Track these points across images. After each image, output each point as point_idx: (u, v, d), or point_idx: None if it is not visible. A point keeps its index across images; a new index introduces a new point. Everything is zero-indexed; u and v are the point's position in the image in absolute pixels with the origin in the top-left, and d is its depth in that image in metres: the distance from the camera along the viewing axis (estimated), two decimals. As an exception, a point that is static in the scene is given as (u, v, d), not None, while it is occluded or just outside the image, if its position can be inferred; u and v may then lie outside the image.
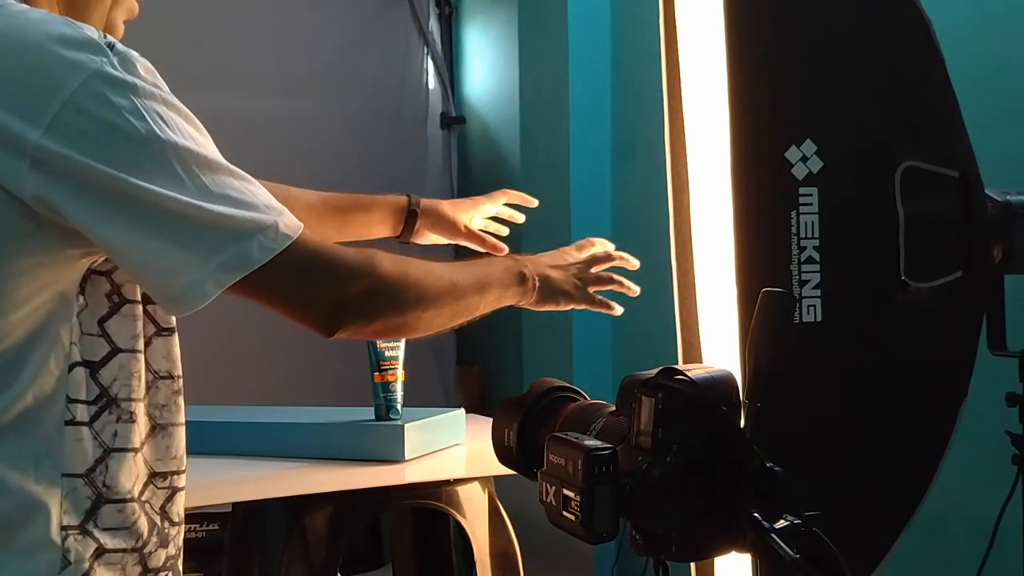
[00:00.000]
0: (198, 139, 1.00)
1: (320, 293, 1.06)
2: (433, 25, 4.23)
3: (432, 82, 4.24)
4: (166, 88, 1.00)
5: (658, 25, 1.55)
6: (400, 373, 2.19)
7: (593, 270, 1.52)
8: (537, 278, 1.41)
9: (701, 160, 1.53)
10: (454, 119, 4.24)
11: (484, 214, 1.70)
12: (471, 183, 4.24)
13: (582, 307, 1.51)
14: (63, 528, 1.00)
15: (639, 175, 3.26)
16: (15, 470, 0.98)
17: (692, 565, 1.48)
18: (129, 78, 0.96)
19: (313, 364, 3.58)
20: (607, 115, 3.43)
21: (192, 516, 2.80)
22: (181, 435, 1.12)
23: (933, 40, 1.37)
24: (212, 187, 0.98)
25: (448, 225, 1.64)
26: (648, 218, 2.88)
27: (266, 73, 3.81)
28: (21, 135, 0.93)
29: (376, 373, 2.17)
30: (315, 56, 3.93)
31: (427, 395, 3.83)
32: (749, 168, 1.32)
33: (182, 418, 1.12)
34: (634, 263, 1.59)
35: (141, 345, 1.06)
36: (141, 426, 1.07)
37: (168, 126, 0.97)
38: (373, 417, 2.21)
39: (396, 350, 2.18)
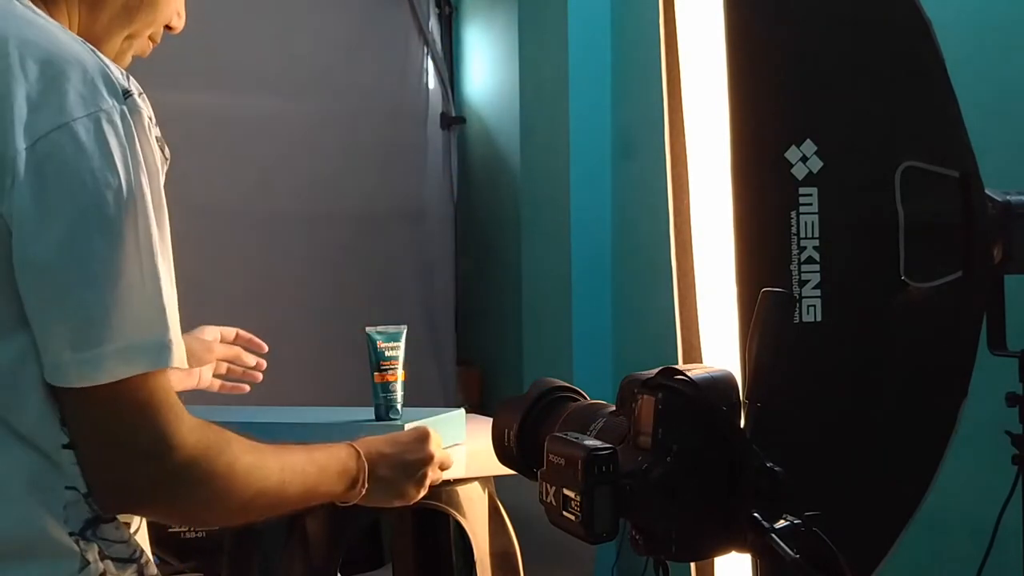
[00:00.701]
0: (162, 222, 0.99)
1: (133, 452, 0.97)
2: (433, 25, 4.22)
3: (432, 82, 4.23)
4: (157, 148, 1.00)
5: (658, 25, 1.55)
6: (400, 373, 2.19)
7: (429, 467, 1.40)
8: (367, 482, 1.31)
9: (701, 160, 1.53)
10: (454, 119, 4.24)
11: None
12: (471, 183, 4.24)
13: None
14: (69, 534, 1.00)
15: (639, 175, 3.26)
16: (25, 482, 0.98)
17: (692, 565, 1.48)
18: (131, 130, 0.97)
19: (313, 364, 3.58)
20: (607, 115, 3.43)
21: (192, 516, 2.81)
22: None
23: (933, 40, 1.37)
24: (147, 279, 0.96)
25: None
26: (648, 218, 2.89)
27: (266, 73, 3.81)
28: (14, 143, 0.92)
29: (376, 373, 2.17)
30: (315, 56, 3.93)
31: (427, 395, 3.83)
32: (749, 168, 1.32)
33: None
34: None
35: None
36: None
37: (145, 191, 0.96)
38: (373, 417, 2.21)
39: (396, 350, 2.18)
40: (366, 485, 1.30)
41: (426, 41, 4.20)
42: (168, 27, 1.20)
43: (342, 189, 3.94)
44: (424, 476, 1.39)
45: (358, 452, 1.29)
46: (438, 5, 4.24)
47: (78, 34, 1.08)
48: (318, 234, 3.86)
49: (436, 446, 1.40)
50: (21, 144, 0.93)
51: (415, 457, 1.38)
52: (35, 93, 0.94)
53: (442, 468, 1.43)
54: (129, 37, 1.15)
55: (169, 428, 0.98)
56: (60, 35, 1.01)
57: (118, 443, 0.98)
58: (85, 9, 1.10)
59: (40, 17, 1.03)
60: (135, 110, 0.98)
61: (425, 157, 4.21)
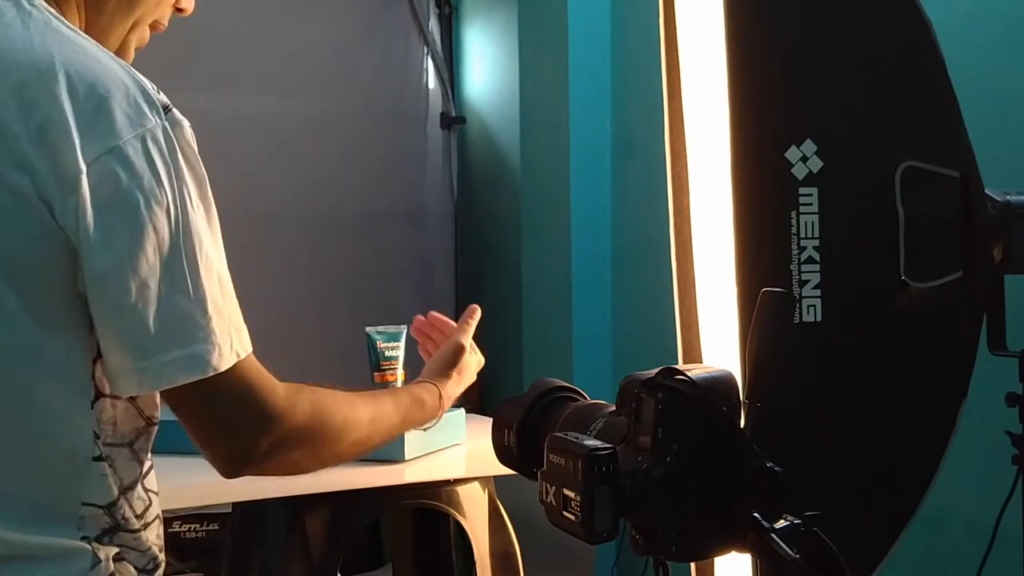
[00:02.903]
0: (209, 229, 1.04)
1: (236, 433, 1.06)
2: (433, 25, 4.22)
3: (432, 82, 4.23)
4: (198, 158, 1.03)
5: (658, 25, 1.55)
6: (400, 373, 2.19)
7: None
8: (443, 411, 1.51)
9: (701, 160, 1.53)
10: (454, 119, 4.24)
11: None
12: (471, 183, 4.24)
13: None
14: (83, 539, 1.01)
15: (639, 175, 3.26)
16: (44, 498, 0.99)
17: (692, 565, 1.48)
18: (174, 146, 1.00)
19: (313, 364, 3.58)
20: (607, 115, 3.43)
21: (192, 516, 2.81)
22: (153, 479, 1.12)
23: (933, 40, 1.37)
24: (203, 283, 1.01)
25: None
26: (648, 218, 2.89)
27: (266, 73, 3.81)
28: (75, 167, 0.95)
29: (376, 373, 2.17)
30: (315, 56, 3.93)
31: (427, 395, 3.83)
32: (749, 168, 1.32)
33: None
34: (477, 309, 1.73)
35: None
36: (122, 472, 1.06)
37: (192, 204, 1.01)
38: (373, 417, 2.21)
39: (396, 350, 2.18)
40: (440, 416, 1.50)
41: (426, 41, 4.20)
42: (179, 9, 1.20)
43: (342, 189, 3.94)
44: (472, 370, 1.62)
45: (440, 398, 1.48)
46: (438, 5, 4.24)
47: (84, 29, 1.09)
48: (318, 234, 3.86)
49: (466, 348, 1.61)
50: (81, 166, 0.95)
51: (472, 374, 1.60)
52: (85, 115, 0.96)
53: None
54: (133, 27, 1.15)
55: (264, 404, 1.06)
56: (98, 53, 1.02)
57: (212, 428, 1.06)
58: (91, 2, 1.11)
59: (74, 32, 1.03)
60: (176, 123, 1.01)
61: (425, 157, 4.21)
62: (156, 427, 1.10)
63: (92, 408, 1.01)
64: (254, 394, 1.05)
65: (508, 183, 3.89)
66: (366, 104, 4.03)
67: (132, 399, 1.05)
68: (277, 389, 1.08)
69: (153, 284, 0.98)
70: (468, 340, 1.61)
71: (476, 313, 1.67)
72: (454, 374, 1.55)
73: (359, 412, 1.23)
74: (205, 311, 1.01)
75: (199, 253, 1.01)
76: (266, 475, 1.13)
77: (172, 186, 0.99)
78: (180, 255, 0.99)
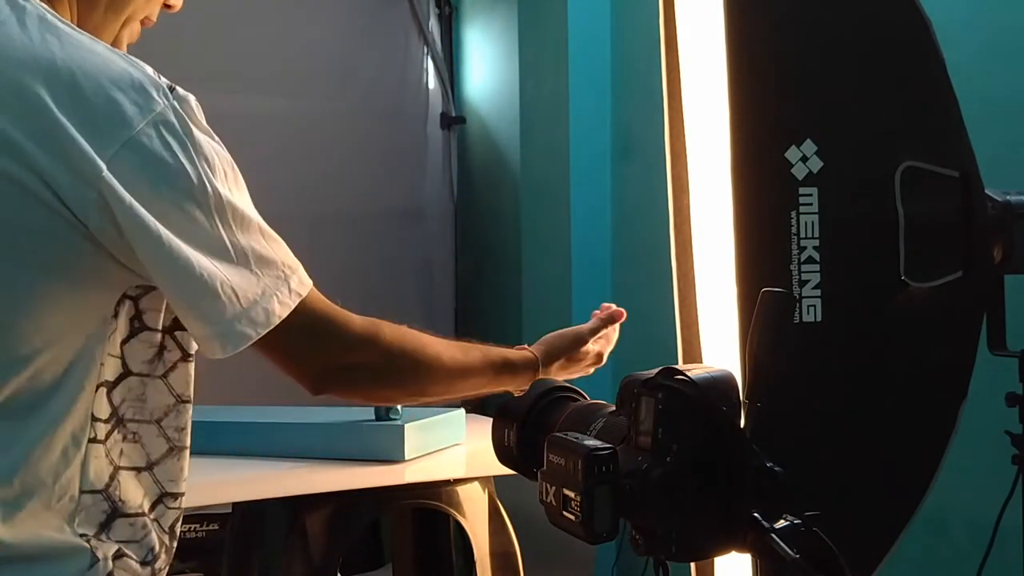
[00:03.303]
0: (236, 191, 1.05)
1: (316, 357, 1.13)
2: (433, 25, 4.22)
3: (432, 82, 4.23)
4: (208, 128, 1.05)
5: (658, 25, 1.55)
6: (400, 373, 2.18)
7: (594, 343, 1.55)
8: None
9: (701, 160, 1.53)
10: (454, 119, 4.24)
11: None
12: (471, 183, 4.24)
13: None
14: (80, 536, 1.01)
15: (639, 175, 3.26)
16: (44, 486, 1.00)
17: (692, 565, 1.48)
18: (187, 124, 1.01)
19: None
20: (607, 115, 3.43)
21: (192, 516, 2.81)
22: (187, 457, 1.14)
23: (933, 40, 1.37)
24: (243, 242, 1.04)
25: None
26: (648, 218, 2.88)
27: (266, 73, 3.81)
28: (91, 164, 0.95)
29: (376, 373, 2.17)
30: (315, 56, 3.93)
31: (427, 395, 3.83)
32: (749, 168, 1.32)
33: (189, 441, 1.14)
34: (623, 314, 1.60)
35: (151, 370, 1.08)
36: (149, 447, 1.09)
37: (215, 174, 1.03)
38: (373, 417, 2.21)
39: (396, 350, 2.18)
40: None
41: (426, 41, 4.20)
42: (167, 5, 1.20)
43: (342, 189, 3.94)
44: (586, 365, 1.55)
45: (535, 370, 1.45)
46: (438, 5, 4.24)
47: (77, 25, 1.08)
48: (318, 234, 3.86)
49: (595, 340, 1.55)
50: (100, 163, 0.95)
51: (582, 361, 1.54)
52: (95, 112, 0.97)
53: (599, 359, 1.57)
54: (125, 23, 1.15)
55: (341, 329, 1.14)
56: (96, 47, 1.02)
57: (292, 360, 1.13)
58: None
59: (70, 27, 1.03)
60: (182, 100, 1.02)
61: (425, 157, 4.21)
62: (189, 405, 1.12)
63: (96, 391, 1.02)
64: (327, 324, 1.12)
65: (508, 183, 3.89)
66: (366, 104, 4.03)
67: (164, 376, 1.08)
68: (353, 319, 1.15)
69: (202, 256, 1.01)
70: (592, 335, 1.56)
71: (618, 316, 1.59)
72: (564, 359, 1.52)
73: (448, 352, 1.28)
74: (252, 269, 1.04)
75: (232, 217, 1.03)
76: (352, 397, 1.21)
77: (192, 161, 1.00)
78: (216, 224, 1.02)
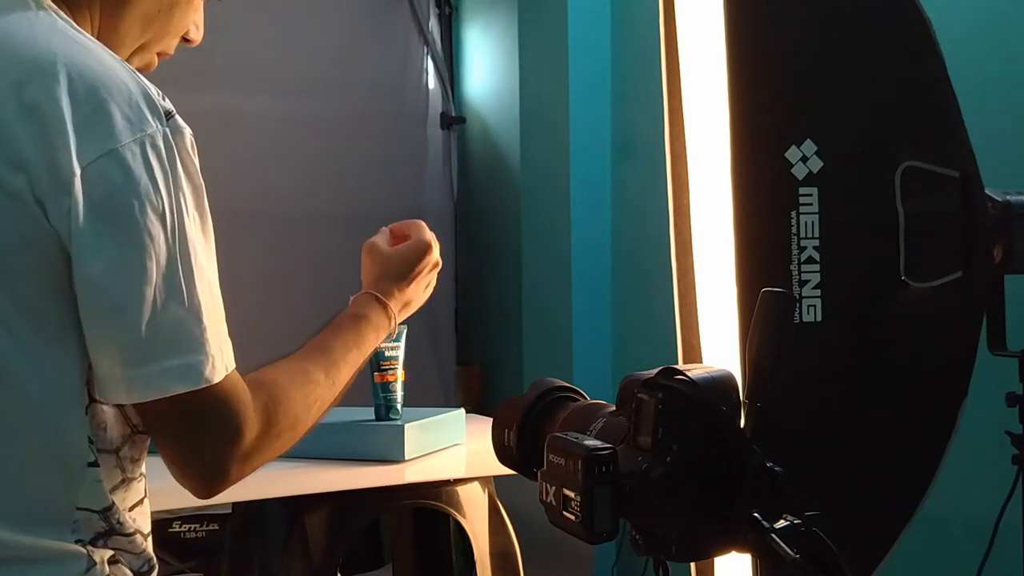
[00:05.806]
0: (202, 236, 1.02)
1: (216, 448, 1.02)
2: (433, 25, 4.22)
3: (432, 82, 4.23)
4: (197, 167, 1.02)
5: (658, 25, 1.55)
6: (400, 373, 2.19)
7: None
8: (397, 319, 1.41)
9: (701, 160, 1.53)
10: (454, 119, 4.24)
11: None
12: (471, 183, 4.24)
13: None
14: (77, 541, 1.00)
15: (639, 175, 3.26)
16: (38, 502, 0.99)
17: (692, 565, 1.48)
18: (173, 153, 0.99)
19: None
20: (607, 115, 3.43)
21: (192, 516, 2.81)
22: (141, 492, 1.10)
23: (933, 40, 1.37)
24: (197, 291, 0.99)
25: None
26: (648, 218, 2.88)
27: (266, 73, 3.81)
28: (69, 167, 0.94)
29: (376, 373, 2.17)
30: (315, 56, 3.93)
31: (427, 395, 3.83)
32: (749, 168, 1.32)
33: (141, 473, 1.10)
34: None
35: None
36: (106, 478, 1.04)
37: (187, 212, 0.99)
38: (373, 417, 2.21)
39: (396, 350, 2.18)
40: (396, 325, 1.40)
41: (426, 41, 4.20)
42: (186, 39, 1.19)
43: (342, 189, 3.94)
44: (432, 280, 1.46)
45: (387, 310, 1.38)
46: (438, 5, 4.24)
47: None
48: (318, 234, 3.86)
49: (435, 248, 1.45)
50: (76, 168, 0.94)
51: (428, 278, 1.45)
52: (84, 116, 0.95)
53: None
54: (141, 49, 1.14)
55: (239, 421, 1.02)
56: (104, 55, 1.01)
57: (191, 444, 1.02)
58: (106, 16, 1.10)
59: (81, 34, 1.02)
60: (177, 130, 1.00)
61: (425, 157, 4.21)
62: (145, 436, 1.07)
63: (87, 413, 1.00)
64: (234, 409, 1.02)
65: (508, 183, 3.89)
66: (366, 104, 4.03)
67: (119, 405, 1.03)
68: (249, 404, 1.04)
69: (147, 291, 0.96)
70: (432, 237, 1.46)
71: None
72: (410, 277, 1.42)
73: (316, 376, 1.19)
74: (200, 320, 0.99)
75: (194, 262, 0.99)
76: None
77: (169, 193, 0.98)
78: (176, 263, 0.98)
